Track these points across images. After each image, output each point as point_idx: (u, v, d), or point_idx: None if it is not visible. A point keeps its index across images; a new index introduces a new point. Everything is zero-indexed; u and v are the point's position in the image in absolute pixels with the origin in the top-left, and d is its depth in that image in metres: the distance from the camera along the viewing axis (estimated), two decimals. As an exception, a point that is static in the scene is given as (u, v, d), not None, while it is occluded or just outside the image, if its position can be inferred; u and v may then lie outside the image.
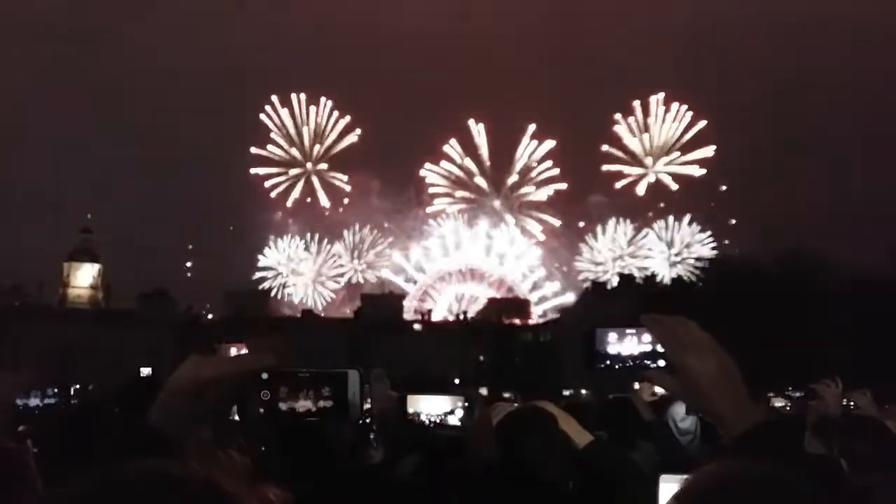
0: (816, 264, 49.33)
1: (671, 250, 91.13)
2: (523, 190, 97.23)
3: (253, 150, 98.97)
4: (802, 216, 79.51)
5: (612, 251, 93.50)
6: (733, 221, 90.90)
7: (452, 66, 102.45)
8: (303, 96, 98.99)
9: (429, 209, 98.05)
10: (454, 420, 5.28)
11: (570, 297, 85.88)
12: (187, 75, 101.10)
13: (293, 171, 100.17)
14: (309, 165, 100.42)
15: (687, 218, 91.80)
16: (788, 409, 9.19)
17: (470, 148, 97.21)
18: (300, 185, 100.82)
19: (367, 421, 4.94)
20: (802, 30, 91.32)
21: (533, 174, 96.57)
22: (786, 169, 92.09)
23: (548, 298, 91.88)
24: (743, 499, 0.92)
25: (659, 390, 5.34)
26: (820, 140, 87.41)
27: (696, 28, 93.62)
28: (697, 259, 76.10)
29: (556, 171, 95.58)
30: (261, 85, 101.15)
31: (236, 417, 1.66)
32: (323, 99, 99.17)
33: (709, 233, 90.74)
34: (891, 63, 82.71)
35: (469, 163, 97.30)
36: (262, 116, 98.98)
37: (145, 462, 0.85)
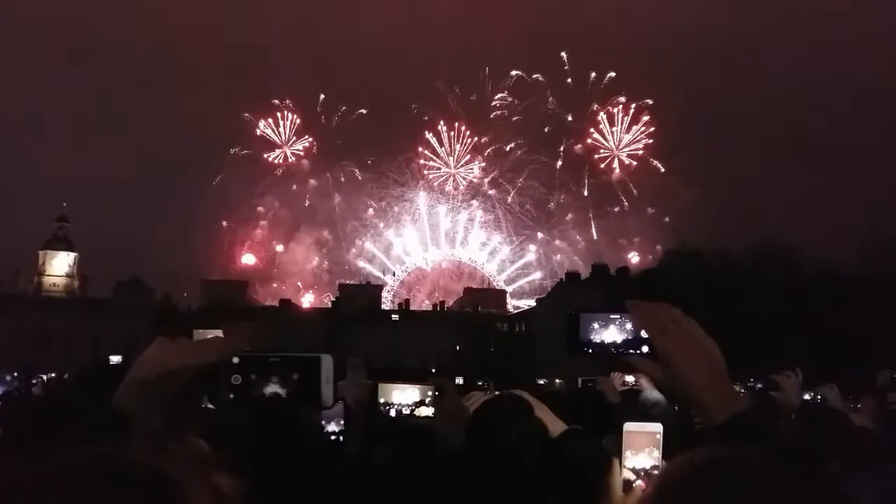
0: (786, 257, 49.75)
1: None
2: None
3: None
4: (773, 210, 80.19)
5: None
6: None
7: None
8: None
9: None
10: (426, 411, 5.27)
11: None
12: (165, 65, 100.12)
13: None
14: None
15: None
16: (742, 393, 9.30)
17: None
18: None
19: None
20: (772, 28, 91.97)
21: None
22: (758, 164, 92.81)
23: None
24: (728, 484, 0.91)
25: (630, 379, 5.39)
26: (792, 135, 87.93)
27: (656, 30, 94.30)
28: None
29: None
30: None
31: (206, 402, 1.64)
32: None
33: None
34: (864, 59, 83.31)
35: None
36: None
37: (88, 449, 0.82)
